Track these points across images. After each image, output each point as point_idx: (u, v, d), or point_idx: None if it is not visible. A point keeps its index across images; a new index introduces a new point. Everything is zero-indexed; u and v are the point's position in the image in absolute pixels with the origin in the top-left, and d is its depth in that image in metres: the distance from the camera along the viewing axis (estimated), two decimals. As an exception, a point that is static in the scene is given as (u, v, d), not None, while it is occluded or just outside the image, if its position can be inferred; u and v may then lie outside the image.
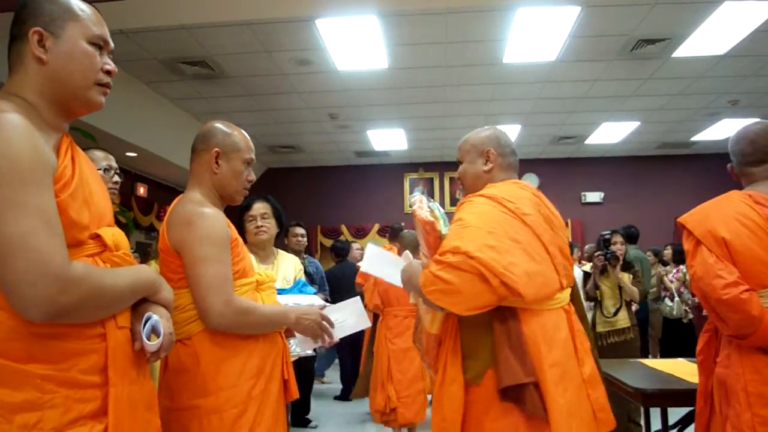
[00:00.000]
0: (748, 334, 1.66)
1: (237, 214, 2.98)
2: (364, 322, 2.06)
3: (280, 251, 3.23)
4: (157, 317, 1.26)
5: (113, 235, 1.24)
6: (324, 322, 1.87)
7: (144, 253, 5.27)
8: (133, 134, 6.64)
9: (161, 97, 7.03)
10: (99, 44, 1.25)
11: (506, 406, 1.57)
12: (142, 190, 8.65)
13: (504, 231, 1.66)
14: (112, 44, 1.29)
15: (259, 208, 3.00)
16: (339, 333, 1.96)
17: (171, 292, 1.35)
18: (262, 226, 2.96)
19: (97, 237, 1.20)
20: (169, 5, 4.14)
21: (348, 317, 2.01)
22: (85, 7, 1.24)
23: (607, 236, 4.30)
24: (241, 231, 2.97)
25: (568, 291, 1.79)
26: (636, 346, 4.25)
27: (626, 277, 4.32)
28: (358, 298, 2.12)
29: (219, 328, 1.63)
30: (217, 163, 1.77)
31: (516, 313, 1.65)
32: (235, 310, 1.63)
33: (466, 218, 1.69)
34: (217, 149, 1.77)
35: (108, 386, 1.13)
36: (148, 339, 1.23)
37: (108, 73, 1.26)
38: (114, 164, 2.42)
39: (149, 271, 1.29)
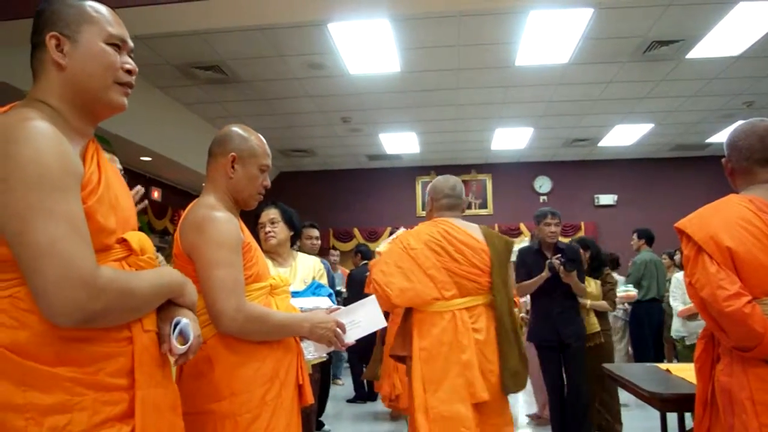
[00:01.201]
0: (750, 348, 1.62)
1: (252, 221, 3.01)
2: (379, 322, 2.03)
3: (300, 254, 3.23)
4: (186, 320, 1.27)
5: (139, 239, 1.24)
6: (338, 329, 1.86)
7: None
8: (147, 138, 6.70)
9: (175, 102, 7.10)
10: (117, 44, 1.24)
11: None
12: (156, 194, 8.72)
13: (393, 261, 2.67)
14: (131, 43, 1.28)
15: (267, 214, 3.02)
16: (354, 335, 1.95)
17: (195, 294, 1.35)
18: (269, 232, 2.97)
19: (123, 242, 1.21)
20: (182, 11, 4.17)
21: (363, 318, 1.99)
22: (101, 8, 1.24)
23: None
24: (257, 238, 3.00)
25: (461, 300, 2.62)
26: (608, 350, 4.32)
27: (593, 283, 4.38)
28: (374, 297, 2.09)
29: (230, 332, 1.63)
30: (233, 167, 1.77)
31: (411, 312, 2.70)
32: (247, 315, 1.62)
33: (383, 252, 2.77)
34: (233, 154, 1.77)
35: (135, 389, 1.14)
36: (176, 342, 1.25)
37: (128, 72, 1.25)
38: (119, 166, 2.43)
39: (173, 273, 1.30)
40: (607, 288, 4.43)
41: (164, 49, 5.50)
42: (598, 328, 4.26)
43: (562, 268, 3.80)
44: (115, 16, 1.26)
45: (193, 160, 7.72)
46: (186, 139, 7.45)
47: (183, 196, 9.25)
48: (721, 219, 1.73)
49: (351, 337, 1.94)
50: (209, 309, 1.62)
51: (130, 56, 1.27)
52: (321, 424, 4.98)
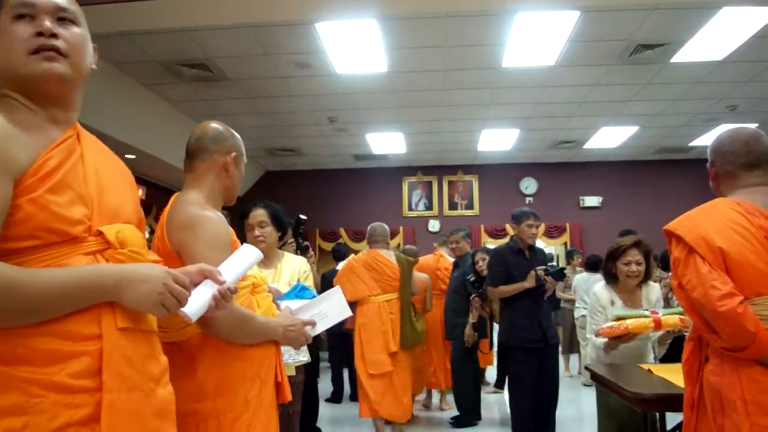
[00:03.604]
0: (742, 348, 1.63)
1: (238, 219, 2.97)
2: (345, 311, 2.08)
3: (286, 253, 3.16)
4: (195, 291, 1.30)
5: (119, 231, 1.19)
6: (306, 329, 1.87)
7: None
8: (132, 136, 6.64)
9: (160, 100, 7.03)
10: (24, 14, 1.14)
11: None
12: (140, 192, 8.63)
13: (345, 273, 4.47)
14: (45, 3, 1.15)
15: (256, 216, 2.95)
16: (322, 326, 1.97)
17: (151, 292, 1.15)
18: (259, 236, 2.91)
19: (100, 234, 1.16)
20: (169, 8, 4.14)
21: (330, 308, 2.03)
22: None
23: (472, 279, 4.72)
24: (242, 236, 2.95)
25: (383, 296, 4.41)
26: None
27: None
28: (339, 288, 2.14)
29: (217, 334, 1.62)
30: (233, 167, 1.78)
31: (355, 304, 4.35)
32: (236, 318, 1.61)
33: (340, 269, 4.51)
34: (234, 153, 1.78)
35: (102, 391, 1.07)
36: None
37: (40, 34, 1.13)
38: None
39: (104, 271, 1.14)
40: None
41: (150, 46, 5.45)
42: None
43: (550, 278, 3.87)
44: None
45: (178, 157, 7.54)
46: (171, 136, 7.38)
47: (167, 193, 9.11)
48: (712, 221, 1.75)
49: (320, 328, 1.95)
50: None
51: (62, 20, 1.18)
52: (318, 431, 4.86)
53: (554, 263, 7.73)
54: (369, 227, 4.63)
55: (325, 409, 5.79)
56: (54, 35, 1.14)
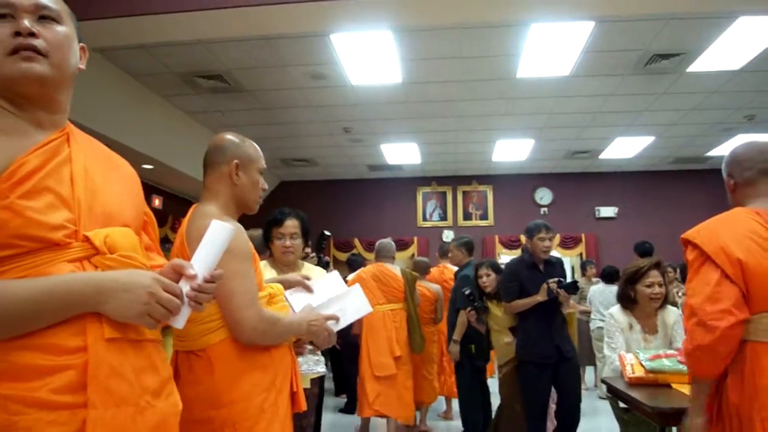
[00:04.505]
0: (699, 362, 1.72)
1: (265, 226, 2.98)
2: (365, 308, 2.13)
3: (306, 264, 3.16)
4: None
5: (107, 236, 1.12)
6: (327, 325, 1.90)
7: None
8: (149, 147, 6.72)
9: (178, 110, 7.12)
10: (3, 14, 1.09)
11: None
12: (157, 202, 8.73)
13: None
14: (24, 3, 1.11)
15: (290, 226, 2.92)
16: (344, 321, 2.02)
17: (136, 302, 1.07)
18: (289, 247, 2.89)
19: (87, 239, 1.09)
20: (186, 21, 4.20)
21: (350, 305, 2.07)
22: None
23: (467, 292, 4.41)
24: (268, 243, 2.96)
25: (387, 305, 4.59)
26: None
27: (499, 309, 4.22)
28: (359, 285, 2.18)
29: (251, 341, 1.65)
30: (237, 174, 1.78)
31: None
32: (267, 322, 1.67)
33: (350, 280, 4.16)
34: (236, 160, 1.79)
35: (86, 407, 0.99)
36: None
37: (17, 34, 1.08)
38: None
39: (80, 279, 1.06)
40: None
41: (168, 58, 5.53)
42: (513, 354, 4.02)
43: (563, 292, 3.72)
44: None
45: (194, 168, 7.72)
46: (188, 147, 7.46)
47: (183, 203, 9.26)
48: (731, 231, 1.74)
49: (342, 323, 2.00)
50: (230, 318, 1.63)
51: (43, 18, 1.13)
52: None
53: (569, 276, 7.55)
54: (377, 243, 4.98)
55: (340, 419, 5.80)
56: (32, 34, 1.09)
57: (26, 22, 1.09)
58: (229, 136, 1.85)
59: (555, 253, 4.37)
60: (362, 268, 5.16)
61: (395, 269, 4.74)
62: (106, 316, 1.06)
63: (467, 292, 4.42)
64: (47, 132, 1.13)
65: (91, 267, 1.09)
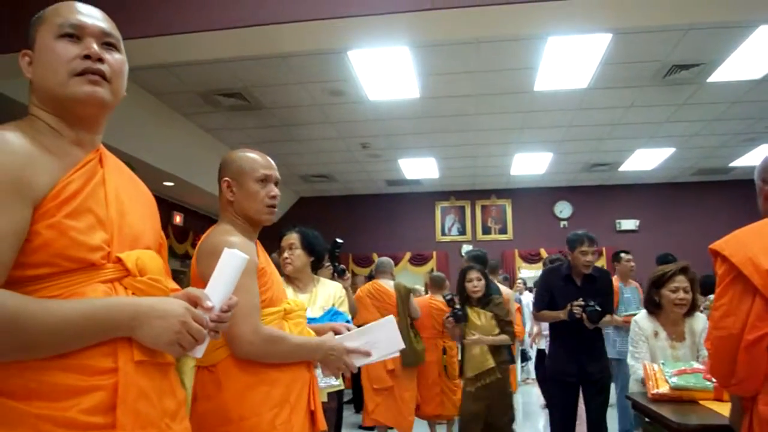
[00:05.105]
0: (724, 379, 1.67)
1: (277, 245, 3.08)
2: (397, 343, 1.92)
3: (322, 279, 3.23)
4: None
5: (138, 258, 1.14)
6: (346, 358, 1.83)
7: (177, 281, 5.33)
8: (170, 164, 6.81)
9: (198, 128, 7.21)
10: (70, 33, 1.11)
11: None
12: (178, 219, 8.82)
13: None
14: (93, 27, 1.14)
15: (288, 239, 3.06)
16: (373, 357, 1.88)
17: (170, 330, 1.08)
18: (286, 258, 3.01)
19: (119, 261, 1.11)
20: (206, 40, 4.27)
21: (380, 339, 1.89)
22: (61, 5, 1.15)
23: (448, 297, 4.08)
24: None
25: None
26: (503, 385, 3.87)
27: (484, 315, 3.93)
28: (392, 317, 1.97)
29: (248, 356, 1.64)
30: (231, 191, 1.80)
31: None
32: (264, 338, 1.64)
33: None
34: (226, 179, 1.82)
35: (115, 429, 1.00)
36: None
37: (87, 57, 1.11)
38: None
39: (120, 304, 1.08)
40: (501, 320, 3.94)
41: (188, 77, 5.62)
42: (493, 364, 3.81)
43: (585, 317, 3.51)
44: (70, 4, 1.16)
45: (214, 184, 7.59)
46: (208, 164, 7.52)
47: (205, 220, 9.35)
48: (761, 241, 1.67)
49: (369, 359, 1.88)
50: (227, 333, 1.61)
51: (107, 45, 1.16)
52: None
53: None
54: (376, 260, 5.26)
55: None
56: (101, 59, 1.13)
57: (96, 47, 1.13)
58: (227, 155, 1.87)
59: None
60: (361, 286, 5.44)
61: (388, 285, 4.91)
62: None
63: (448, 297, 4.13)
64: (85, 150, 1.15)
65: (122, 288, 1.10)
